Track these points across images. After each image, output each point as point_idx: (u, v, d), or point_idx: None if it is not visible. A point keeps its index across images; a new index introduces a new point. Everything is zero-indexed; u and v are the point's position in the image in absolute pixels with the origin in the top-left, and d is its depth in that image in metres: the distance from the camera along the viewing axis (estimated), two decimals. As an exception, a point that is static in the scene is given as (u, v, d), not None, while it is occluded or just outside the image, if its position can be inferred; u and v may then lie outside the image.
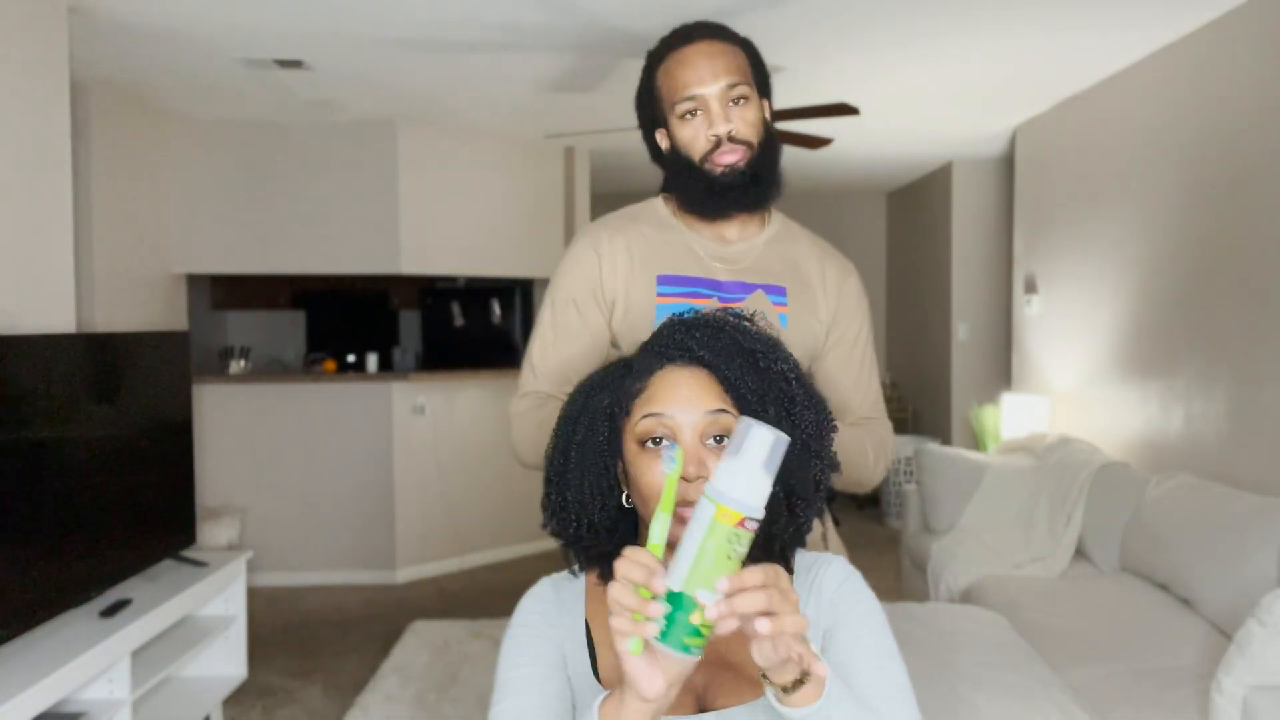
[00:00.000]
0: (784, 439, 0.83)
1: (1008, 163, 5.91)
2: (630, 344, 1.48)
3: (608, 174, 6.33)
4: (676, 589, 0.81)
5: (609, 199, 6.88)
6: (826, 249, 1.58)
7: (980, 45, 3.62)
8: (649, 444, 1.03)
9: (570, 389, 1.30)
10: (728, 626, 0.81)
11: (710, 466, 1.00)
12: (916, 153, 5.92)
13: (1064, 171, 4.55)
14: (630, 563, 0.84)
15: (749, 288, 1.48)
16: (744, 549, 0.82)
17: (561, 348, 1.51)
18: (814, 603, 1.09)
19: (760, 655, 0.84)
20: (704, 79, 1.40)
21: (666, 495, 0.89)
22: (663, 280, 1.47)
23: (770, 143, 1.46)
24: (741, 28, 3.45)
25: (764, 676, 0.88)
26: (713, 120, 1.41)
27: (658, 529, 0.88)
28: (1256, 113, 3.05)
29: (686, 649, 0.81)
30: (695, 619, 0.80)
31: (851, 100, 4.21)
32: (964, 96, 4.45)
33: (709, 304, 1.44)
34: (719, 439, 1.02)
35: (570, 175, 5.81)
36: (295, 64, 3.85)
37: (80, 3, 3.10)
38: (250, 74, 4.00)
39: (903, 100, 4.50)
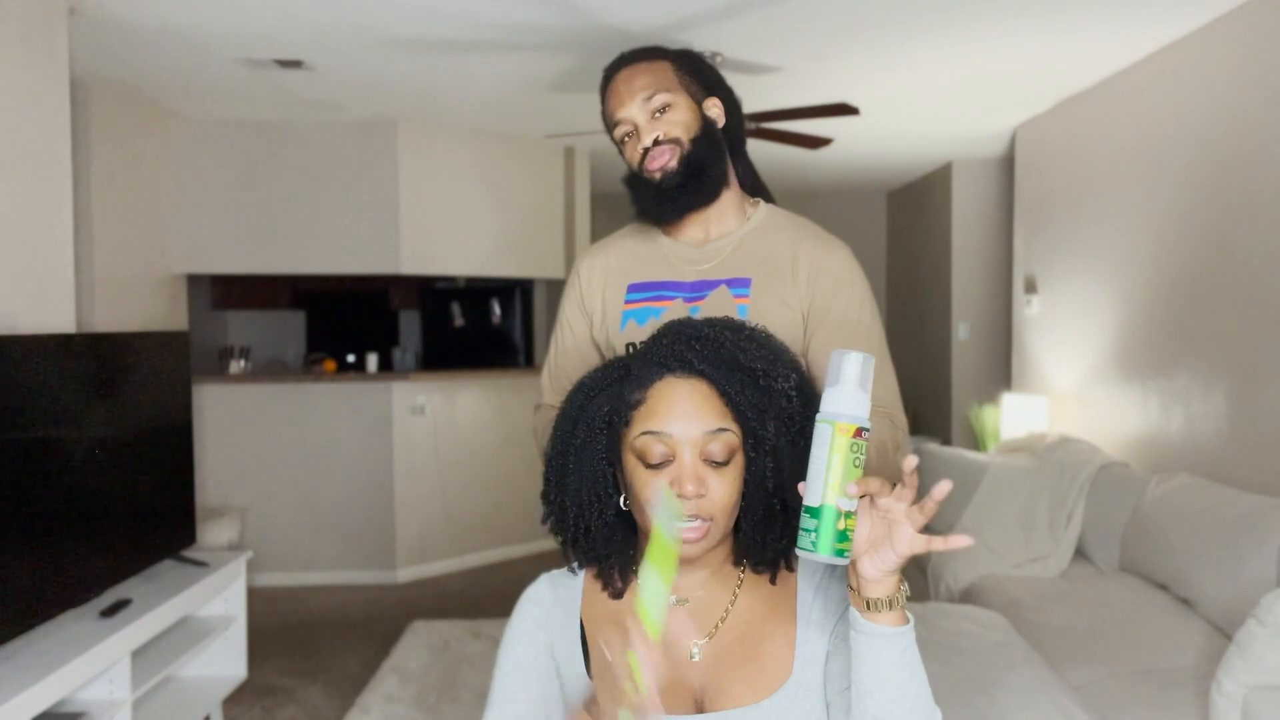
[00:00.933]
0: (870, 357, 0.96)
1: (1008, 163, 5.91)
2: (606, 351, 1.56)
3: (608, 174, 6.33)
4: (817, 504, 0.93)
5: (609, 199, 6.88)
6: (806, 232, 1.54)
7: (980, 45, 3.62)
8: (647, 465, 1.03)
9: None
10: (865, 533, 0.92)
11: (707, 485, 1.02)
12: (916, 153, 5.92)
13: (1064, 171, 4.55)
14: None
15: (712, 284, 1.51)
16: (864, 457, 0.94)
17: (561, 363, 1.63)
18: (820, 604, 1.10)
19: (873, 565, 0.92)
20: (624, 101, 1.49)
21: (661, 552, 0.93)
22: (631, 288, 1.55)
23: (708, 137, 1.50)
24: (741, 28, 3.47)
25: (854, 590, 0.95)
26: (640, 134, 1.49)
27: (653, 592, 0.92)
28: (1256, 113, 3.05)
29: (840, 553, 0.93)
30: (840, 524, 0.92)
31: (851, 100, 4.21)
32: (964, 96, 4.45)
33: (671, 305, 1.50)
34: (717, 464, 1.03)
35: (570, 175, 5.81)
36: (295, 64, 3.85)
37: (80, 3, 3.10)
38: (250, 74, 4.00)
39: (903, 100, 4.50)
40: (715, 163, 1.50)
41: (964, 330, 6.15)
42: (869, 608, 0.94)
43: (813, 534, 0.92)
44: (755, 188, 1.63)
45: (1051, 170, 4.71)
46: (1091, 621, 2.90)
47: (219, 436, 4.85)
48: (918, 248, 6.96)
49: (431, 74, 4.03)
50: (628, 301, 1.54)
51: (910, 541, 0.91)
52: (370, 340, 5.72)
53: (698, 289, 1.51)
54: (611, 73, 1.54)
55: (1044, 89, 4.32)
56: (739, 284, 1.50)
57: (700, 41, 3.53)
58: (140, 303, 4.44)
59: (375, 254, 5.00)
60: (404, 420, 5.00)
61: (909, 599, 0.96)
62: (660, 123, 1.48)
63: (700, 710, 1.06)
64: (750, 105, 4.43)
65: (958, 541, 0.92)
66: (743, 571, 1.12)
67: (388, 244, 4.98)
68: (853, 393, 0.94)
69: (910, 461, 0.91)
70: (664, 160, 1.47)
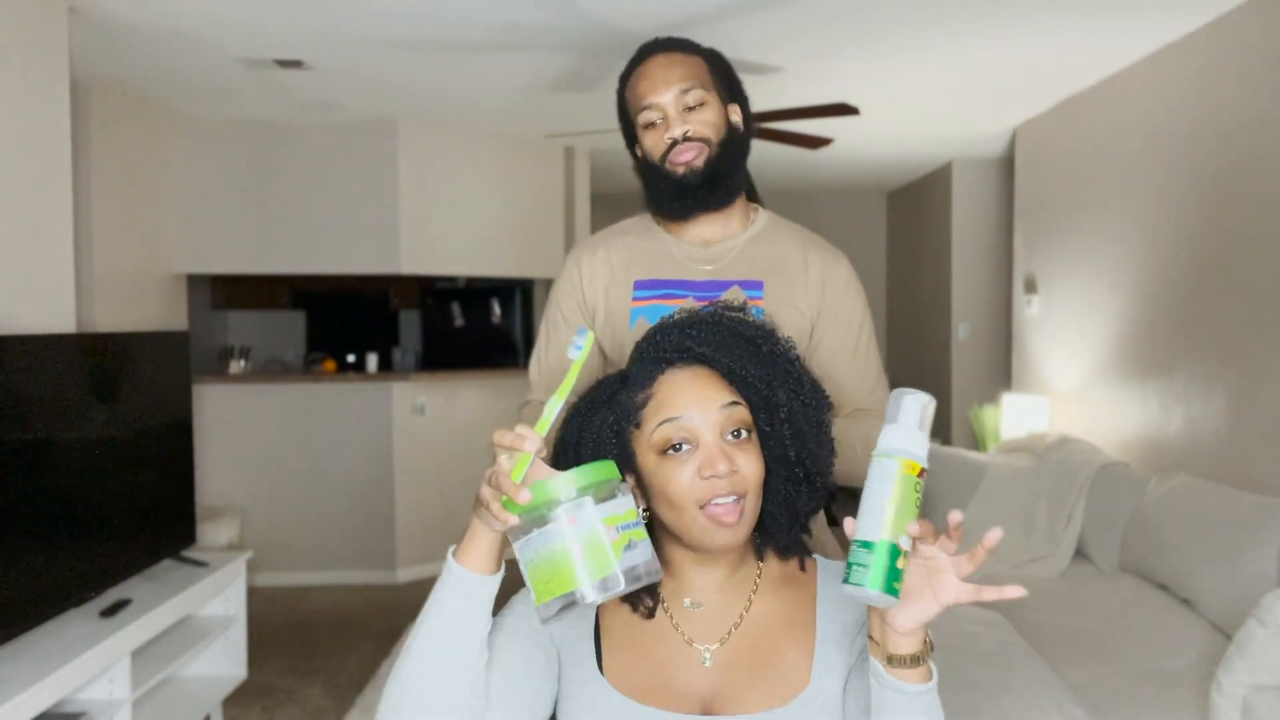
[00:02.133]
0: (931, 399, 0.92)
1: (1008, 163, 5.91)
2: (612, 348, 1.53)
3: (608, 174, 6.33)
4: (874, 539, 0.88)
5: (609, 199, 6.88)
6: (813, 241, 1.58)
7: (980, 45, 3.62)
8: (670, 451, 1.01)
9: None
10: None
11: (736, 462, 1.01)
12: (916, 153, 5.91)
13: (1064, 171, 4.55)
14: (512, 434, 0.92)
15: (723, 285, 1.51)
16: (920, 497, 0.90)
17: (553, 358, 1.59)
18: (839, 613, 1.08)
19: (909, 616, 0.89)
20: (658, 88, 1.48)
21: (568, 380, 0.96)
22: (638, 285, 1.53)
23: (733, 143, 1.50)
24: (741, 28, 3.47)
25: (876, 643, 0.92)
26: (670, 124, 1.47)
27: (552, 410, 0.95)
28: (1256, 113, 3.05)
29: (894, 592, 0.88)
30: (900, 562, 0.88)
31: (851, 100, 4.21)
32: (964, 96, 4.45)
33: (682, 304, 1.46)
34: (736, 434, 1.02)
35: (570, 175, 5.81)
36: (295, 64, 3.85)
37: (80, 3, 3.10)
38: (250, 74, 4.00)
39: (903, 100, 4.50)
40: (736, 170, 1.51)
41: (964, 330, 6.15)
42: (891, 663, 0.91)
43: (868, 569, 0.87)
44: (751, 193, 1.65)
45: (1051, 170, 4.71)
46: (1091, 621, 2.90)
47: (219, 436, 4.85)
48: (918, 248, 6.96)
49: (431, 74, 4.03)
50: (636, 299, 1.52)
51: (955, 591, 0.87)
52: (370, 340, 5.72)
53: (709, 289, 1.50)
54: (645, 55, 1.52)
55: (1044, 89, 4.32)
56: (752, 286, 1.51)
57: (700, 41, 3.53)
58: (140, 303, 4.44)
59: (375, 254, 5.00)
60: (404, 420, 5.00)
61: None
62: (691, 118, 1.47)
63: (707, 714, 1.04)
64: (751, 105, 4.43)
65: (1012, 592, 0.87)
66: (759, 573, 1.09)
67: (388, 244, 4.98)
68: (914, 432, 0.91)
69: (955, 515, 0.87)
70: (690, 157, 1.46)
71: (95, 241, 4.02)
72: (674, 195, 1.49)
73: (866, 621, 1.04)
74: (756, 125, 4.04)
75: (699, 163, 1.46)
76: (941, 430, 6.35)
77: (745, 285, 1.51)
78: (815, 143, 4.27)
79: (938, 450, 4.18)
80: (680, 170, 1.47)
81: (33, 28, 2.82)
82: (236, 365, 5.07)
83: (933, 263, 6.56)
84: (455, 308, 5.84)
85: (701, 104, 1.47)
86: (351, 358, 5.50)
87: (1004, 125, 5.09)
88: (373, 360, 5.26)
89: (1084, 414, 4.30)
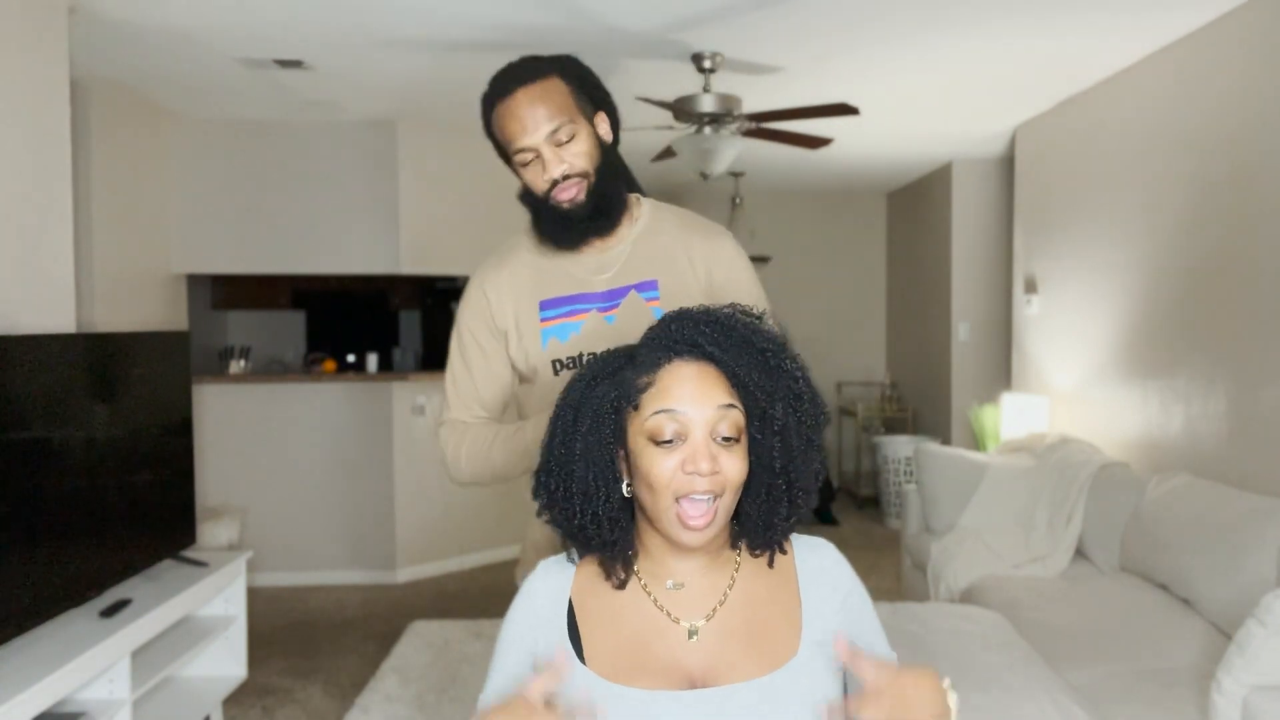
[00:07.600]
0: None
1: (1008, 163, 5.91)
2: (525, 368, 1.58)
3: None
4: None
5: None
6: (694, 225, 1.59)
7: (980, 45, 3.62)
8: (660, 441, 1.05)
9: (482, 414, 1.52)
10: None
11: (719, 463, 1.04)
12: (916, 153, 5.91)
13: (1064, 171, 4.55)
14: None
15: (621, 292, 1.53)
16: None
17: (472, 378, 1.60)
18: (826, 582, 1.13)
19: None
20: (528, 129, 1.46)
21: None
22: (544, 305, 1.55)
23: (608, 163, 1.51)
24: (742, 28, 3.46)
25: None
26: (546, 165, 1.47)
27: None
28: (1255, 113, 3.05)
29: None
30: None
31: (852, 100, 4.21)
32: (964, 96, 4.45)
33: (587, 317, 1.52)
34: (726, 439, 1.05)
35: (570, 175, 5.81)
36: (295, 64, 3.85)
37: (80, 3, 3.10)
38: (250, 74, 4.00)
39: (903, 100, 4.50)
40: (618, 191, 1.52)
41: (964, 330, 6.15)
42: None
43: None
44: (629, 183, 1.63)
45: (1051, 170, 4.71)
46: (1091, 621, 2.90)
47: (219, 436, 4.85)
48: (918, 248, 6.96)
49: (431, 74, 4.03)
50: (544, 319, 1.54)
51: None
52: (370, 340, 5.72)
53: (609, 297, 1.53)
54: (506, 90, 1.48)
55: (1044, 89, 4.32)
56: (647, 286, 1.53)
57: (700, 42, 3.53)
58: (140, 303, 4.44)
59: (375, 254, 5.00)
60: (404, 420, 5.00)
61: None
62: (566, 154, 1.46)
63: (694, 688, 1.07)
64: (750, 105, 4.43)
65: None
66: (739, 555, 1.14)
67: (388, 244, 4.98)
68: None
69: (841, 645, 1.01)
70: (572, 194, 1.47)
71: (95, 241, 4.02)
72: (562, 228, 1.50)
73: (844, 582, 1.14)
74: (757, 125, 4.04)
75: (581, 197, 1.47)
76: (942, 430, 6.35)
77: (641, 287, 1.53)
78: (815, 143, 4.27)
79: (938, 450, 4.18)
80: (566, 206, 1.48)
81: (33, 28, 2.82)
82: (236, 365, 5.07)
83: (933, 263, 6.56)
84: (455, 308, 5.84)
85: (573, 137, 1.46)
86: (351, 358, 5.51)
87: (1004, 125, 5.08)
88: (373, 360, 5.26)
89: (1084, 414, 4.30)
